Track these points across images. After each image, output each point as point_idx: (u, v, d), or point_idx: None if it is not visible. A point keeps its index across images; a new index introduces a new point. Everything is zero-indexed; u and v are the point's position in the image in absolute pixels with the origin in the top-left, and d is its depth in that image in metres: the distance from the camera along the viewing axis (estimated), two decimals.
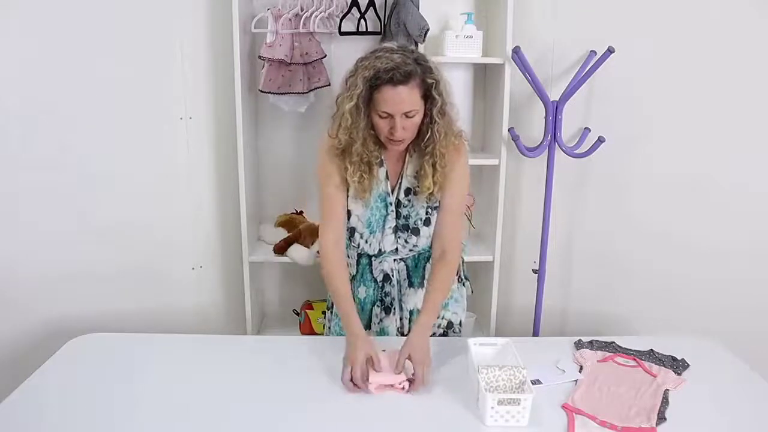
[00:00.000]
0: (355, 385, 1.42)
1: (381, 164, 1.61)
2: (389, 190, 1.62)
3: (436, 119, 1.49)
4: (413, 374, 1.44)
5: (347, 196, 1.62)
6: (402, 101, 1.43)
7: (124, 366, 1.57)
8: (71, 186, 2.31)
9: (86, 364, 1.60)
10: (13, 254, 2.31)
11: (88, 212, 2.35)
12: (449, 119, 1.53)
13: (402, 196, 1.62)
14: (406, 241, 1.65)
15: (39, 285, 2.36)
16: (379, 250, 1.66)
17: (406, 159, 1.62)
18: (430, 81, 1.46)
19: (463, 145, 1.62)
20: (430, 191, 1.57)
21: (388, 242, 1.65)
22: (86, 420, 1.34)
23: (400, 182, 1.62)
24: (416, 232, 1.63)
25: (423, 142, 1.53)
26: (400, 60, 1.42)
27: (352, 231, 1.66)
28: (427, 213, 1.63)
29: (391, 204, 1.62)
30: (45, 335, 2.35)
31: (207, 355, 1.66)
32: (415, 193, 1.61)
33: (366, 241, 1.66)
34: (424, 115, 1.50)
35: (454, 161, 1.57)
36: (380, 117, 1.47)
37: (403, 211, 1.63)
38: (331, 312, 1.83)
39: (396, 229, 1.63)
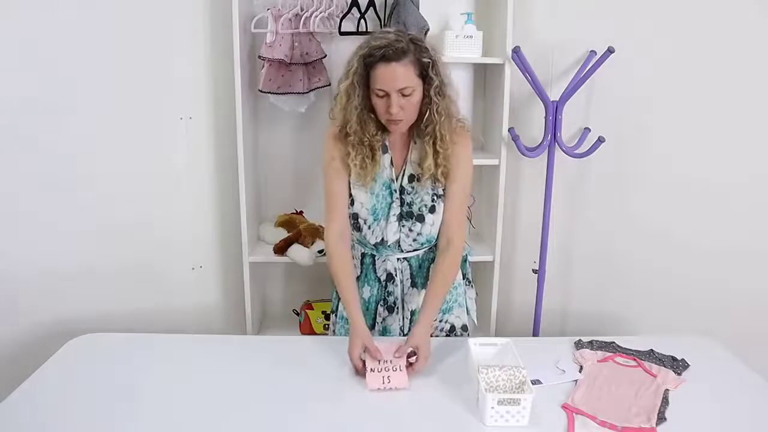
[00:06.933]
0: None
1: (385, 150, 1.61)
2: (393, 177, 1.63)
3: (435, 99, 1.51)
4: (408, 363, 1.50)
5: (349, 183, 1.63)
6: (396, 78, 1.45)
7: (124, 366, 1.58)
8: (71, 186, 2.31)
9: (86, 364, 1.60)
10: (13, 254, 2.31)
11: (88, 212, 2.35)
12: (449, 101, 1.54)
13: (405, 182, 1.62)
14: (410, 230, 1.64)
15: (39, 285, 2.35)
16: (382, 239, 1.66)
17: (410, 146, 1.62)
18: (425, 60, 1.47)
19: (466, 132, 1.63)
20: (431, 173, 1.57)
21: (392, 230, 1.64)
22: (86, 420, 1.34)
23: (404, 169, 1.63)
24: (421, 218, 1.63)
25: (423, 122, 1.55)
26: (394, 38, 1.46)
27: (355, 217, 1.65)
28: (432, 200, 1.62)
29: (395, 191, 1.62)
30: (45, 335, 2.35)
31: (207, 355, 1.66)
32: (418, 180, 1.61)
33: (369, 228, 1.65)
34: (423, 96, 1.51)
35: (456, 145, 1.58)
36: (377, 96, 1.49)
37: (407, 198, 1.63)
38: (336, 315, 1.83)
39: (400, 217, 1.63)
